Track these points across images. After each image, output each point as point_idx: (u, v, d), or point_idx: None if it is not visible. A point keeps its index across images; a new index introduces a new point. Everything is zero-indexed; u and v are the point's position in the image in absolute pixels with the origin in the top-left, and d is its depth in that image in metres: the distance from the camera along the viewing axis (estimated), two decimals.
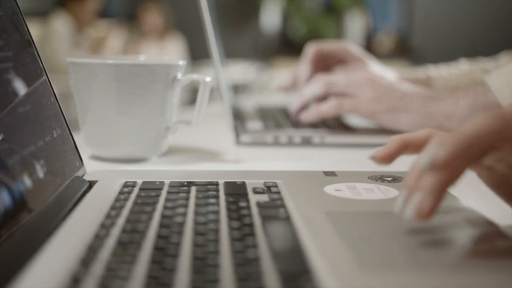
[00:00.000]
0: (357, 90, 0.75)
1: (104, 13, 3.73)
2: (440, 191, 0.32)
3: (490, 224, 0.37)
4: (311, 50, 0.96)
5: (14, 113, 0.37)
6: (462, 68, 0.94)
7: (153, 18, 3.94)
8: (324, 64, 0.96)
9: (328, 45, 0.97)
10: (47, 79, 0.46)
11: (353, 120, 0.88)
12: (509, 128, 0.32)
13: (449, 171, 0.31)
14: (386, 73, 0.89)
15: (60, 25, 3.14)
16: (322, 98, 0.79)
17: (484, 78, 0.72)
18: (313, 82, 0.81)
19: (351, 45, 0.97)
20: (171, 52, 3.86)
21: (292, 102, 0.89)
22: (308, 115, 0.79)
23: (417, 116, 0.73)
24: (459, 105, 0.71)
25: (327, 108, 0.77)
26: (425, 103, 0.73)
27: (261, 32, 4.75)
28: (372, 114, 0.75)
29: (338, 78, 0.78)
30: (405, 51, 4.72)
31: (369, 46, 4.56)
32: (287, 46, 4.69)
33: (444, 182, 0.32)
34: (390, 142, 0.38)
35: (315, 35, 4.37)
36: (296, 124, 0.82)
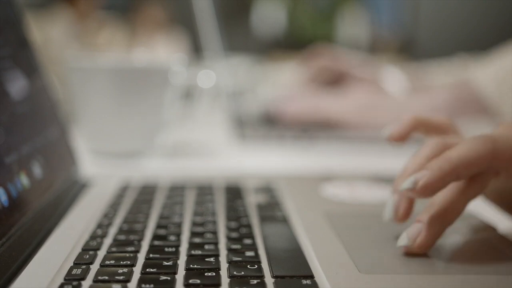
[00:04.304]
0: (336, 98, 0.79)
1: (104, 5, 3.71)
2: (439, 226, 0.32)
3: (488, 227, 0.37)
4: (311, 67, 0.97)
5: (12, 112, 0.37)
6: (461, 76, 0.95)
7: (154, 11, 3.93)
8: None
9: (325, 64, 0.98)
10: (46, 78, 0.46)
11: None
12: (498, 152, 0.32)
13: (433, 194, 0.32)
14: (385, 87, 0.91)
15: (57, 31, 3.11)
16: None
17: (470, 75, 0.73)
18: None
19: (346, 64, 0.97)
20: (172, 45, 3.85)
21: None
22: (285, 113, 0.82)
23: (393, 110, 0.75)
24: (438, 98, 0.73)
25: (303, 107, 0.80)
26: (404, 99, 0.76)
27: (256, 25, 4.72)
28: (349, 118, 0.79)
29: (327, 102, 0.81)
30: (409, 47, 4.70)
31: (373, 42, 4.55)
32: (286, 41, 4.68)
33: (440, 213, 0.32)
34: (404, 120, 0.38)
35: (316, 30, 4.36)
36: (296, 123, 0.82)
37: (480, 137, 0.32)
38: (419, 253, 0.31)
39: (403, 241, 0.32)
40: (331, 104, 0.80)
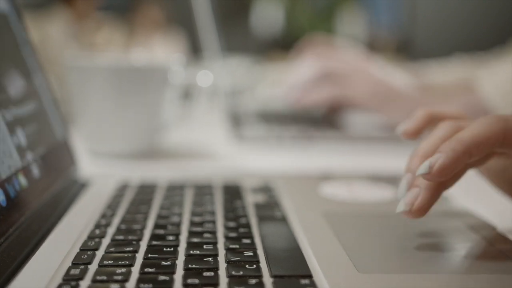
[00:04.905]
0: (352, 80, 0.78)
1: (103, 5, 3.71)
2: (436, 189, 0.32)
3: (488, 226, 0.37)
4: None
5: (11, 112, 0.37)
6: (460, 75, 0.94)
7: (153, 11, 3.93)
8: None
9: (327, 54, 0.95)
10: (45, 78, 0.46)
11: (351, 116, 0.88)
12: (510, 131, 0.32)
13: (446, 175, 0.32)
14: (390, 75, 0.90)
15: (55, 30, 3.10)
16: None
17: (475, 84, 0.73)
18: (309, 64, 0.82)
19: (349, 54, 0.95)
20: (170, 45, 3.85)
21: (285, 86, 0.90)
22: (302, 101, 0.81)
23: (409, 105, 0.75)
24: (446, 105, 0.74)
25: (320, 98, 0.79)
26: (418, 97, 0.77)
27: (254, 25, 4.72)
28: (363, 104, 0.78)
29: (336, 65, 0.80)
30: (407, 47, 4.69)
31: (371, 42, 4.54)
32: (284, 41, 4.67)
33: (441, 183, 0.32)
34: (417, 115, 0.38)
35: (314, 30, 4.35)
36: (295, 122, 0.82)
37: (492, 117, 0.32)
38: (417, 217, 0.32)
39: (400, 207, 0.32)
40: (350, 90, 0.79)
